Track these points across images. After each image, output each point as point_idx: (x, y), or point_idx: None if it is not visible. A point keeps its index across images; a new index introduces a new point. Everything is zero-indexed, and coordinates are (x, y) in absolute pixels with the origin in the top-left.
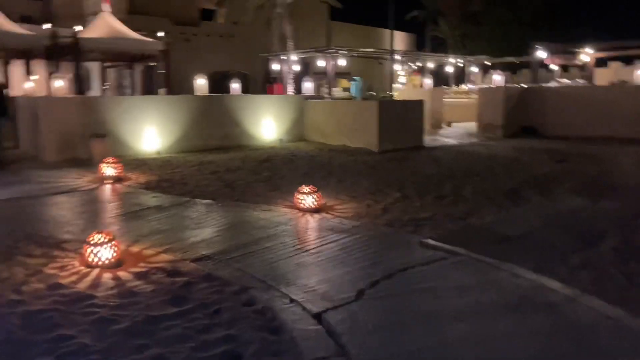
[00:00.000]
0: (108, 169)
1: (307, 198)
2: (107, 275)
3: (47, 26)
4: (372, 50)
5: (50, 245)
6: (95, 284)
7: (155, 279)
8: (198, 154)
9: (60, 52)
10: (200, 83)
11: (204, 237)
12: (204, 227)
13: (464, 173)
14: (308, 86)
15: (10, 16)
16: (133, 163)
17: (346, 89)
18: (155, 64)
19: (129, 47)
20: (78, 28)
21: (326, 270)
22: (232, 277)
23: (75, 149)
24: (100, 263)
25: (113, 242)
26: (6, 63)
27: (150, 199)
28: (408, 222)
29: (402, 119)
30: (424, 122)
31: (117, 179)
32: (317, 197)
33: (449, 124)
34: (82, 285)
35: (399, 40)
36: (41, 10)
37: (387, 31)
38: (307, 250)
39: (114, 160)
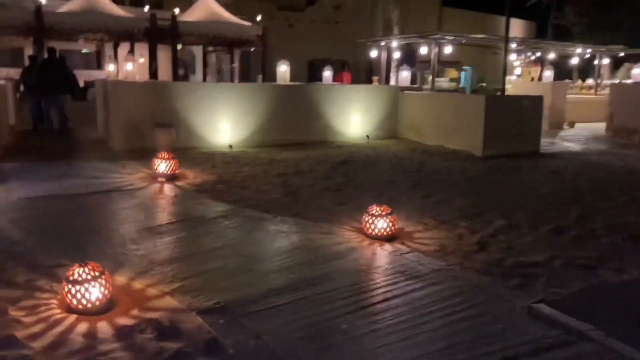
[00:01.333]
0: (161, 165)
1: (377, 222)
2: (81, 329)
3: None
4: (483, 36)
5: (40, 270)
6: (58, 343)
7: (139, 342)
8: (272, 150)
9: (159, 35)
10: (282, 70)
11: (231, 271)
12: (238, 254)
13: (594, 195)
14: (405, 76)
15: (119, 1)
16: (198, 157)
17: (454, 80)
18: (253, 49)
19: (226, 31)
20: (177, 11)
21: (385, 349)
22: (242, 350)
23: (143, 139)
24: (81, 307)
25: (103, 277)
26: (115, 45)
27: (195, 207)
28: (512, 270)
29: (515, 118)
30: (541, 122)
31: (170, 177)
32: (391, 221)
33: (571, 125)
34: (38, 344)
35: (517, 28)
36: None
37: (504, 18)
38: (361, 308)
39: (169, 155)
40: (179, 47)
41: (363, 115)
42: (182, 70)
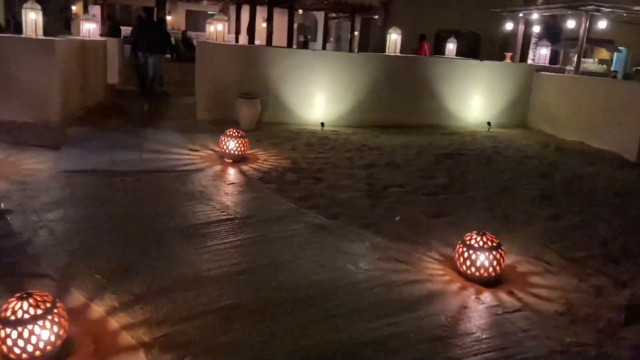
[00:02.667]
0: (230, 144)
1: (476, 257)
2: None
3: None
4: None
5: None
6: None
7: None
8: (369, 132)
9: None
10: (393, 38)
11: (239, 313)
12: (262, 281)
13: None
14: (544, 53)
15: None
16: (281, 135)
17: (604, 62)
18: (376, 17)
19: None
20: None
21: None
22: None
23: (228, 109)
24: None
25: (55, 312)
26: (238, 8)
27: (248, 203)
28: None
29: None
30: None
31: (238, 159)
32: (497, 257)
33: None
34: None
35: None
36: None
37: None
38: None
39: (238, 133)
40: (301, 12)
41: (486, 98)
42: (302, 36)
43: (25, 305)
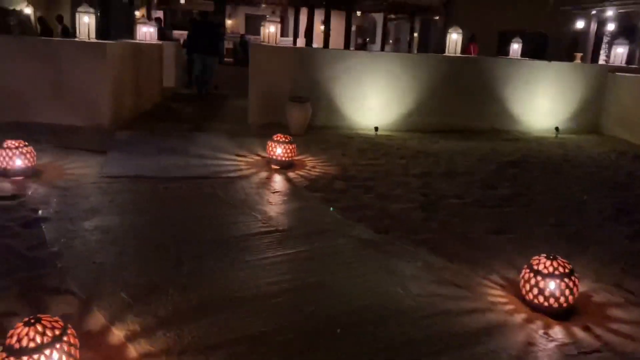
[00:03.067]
0: (277, 150)
1: (544, 284)
2: None
3: None
4: None
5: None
6: None
7: None
8: (426, 137)
9: (335, 0)
10: (453, 38)
11: (267, 343)
12: (295, 309)
13: None
14: (620, 53)
15: None
16: (332, 140)
17: None
18: (436, 17)
19: None
20: None
21: None
22: None
23: (279, 113)
24: None
25: (64, 340)
26: (295, 10)
27: (292, 213)
28: None
29: None
30: None
31: (285, 165)
32: (569, 284)
33: None
34: None
35: None
36: None
37: None
38: None
39: (286, 138)
40: (359, 14)
41: (553, 101)
42: (360, 38)
43: (32, 332)
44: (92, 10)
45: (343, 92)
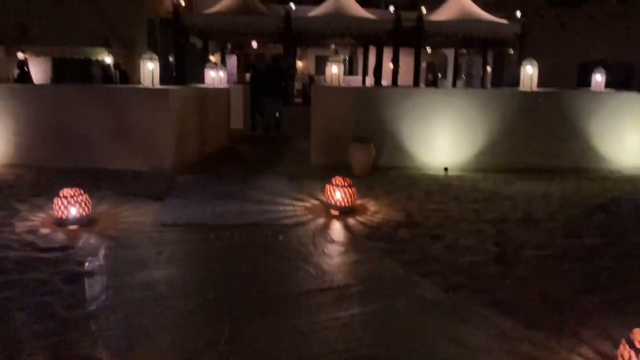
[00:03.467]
0: (336, 194)
1: None
2: None
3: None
4: None
5: None
6: None
7: None
8: (501, 178)
9: (403, 37)
10: (529, 72)
11: None
12: None
13: None
14: None
15: (376, 5)
16: (397, 182)
17: None
18: (510, 50)
19: (477, 30)
20: (423, 10)
21: None
22: None
23: (342, 154)
24: None
25: None
26: (365, 49)
27: (348, 268)
28: None
29: None
30: None
31: (346, 210)
32: None
33: None
34: None
35: None
36: None
37: None
38: None
39: (345, 181)
40: (429, 50)
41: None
42: (430, 74)
43: None
44: (155, 57)
45: (410, 131)
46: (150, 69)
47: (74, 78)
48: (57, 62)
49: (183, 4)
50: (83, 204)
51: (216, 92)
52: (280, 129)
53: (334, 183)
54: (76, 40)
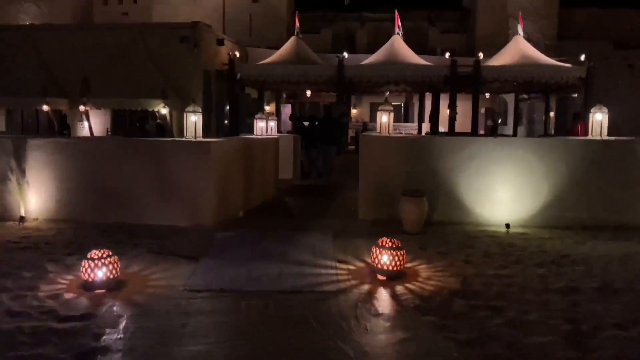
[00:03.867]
0: (383, 257)
1: None
2: None
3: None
4: None
5: None
6: None
7: None
8: (569, 236)
9: (460, 83)
10: (598, 118)
11: None
12: None
13: None
14: None
15: (431, 52)
16: (452, 241)
17: None
18: (574, 95)
19: (538, 75)
20: (481, 55)
21: None
22: None
23: (392, 208)
24: None
25: None
26: (420, 96)
27: (389, 349)
28: None
29: None
30: None
31: (394, 275)
32: None
33: None
34: None
35: None
36: (465, 43)
37: None
38: None
39: (393, 242)
40: (488, 95)
41: None
42: (490, 120)
43: None
44: (199, 109)
45: (466, 183)
46: (193, 121)
47: (131, 129)
48: (116, 114)
49: (238, 55)
50: (111, 266)
51: (264, 142)
52: (329, 178)
53: (381, 244)
54: (134, 92)
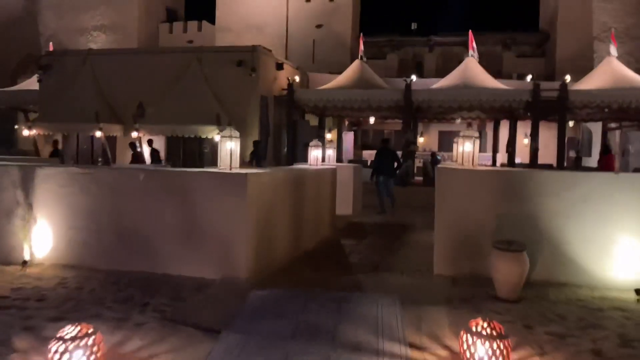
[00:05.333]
0: (478, 349)
1: None
2: None
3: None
4: None
5: None
6: None
7: None
8: None
9: (544, 109)
10: None
11: None
12: None
13: None
14: None
15: (506, 77)
16: (566, 314)
17: None
18: None
19: (629, 97)
20: (568, 79)
21: None
22: None
23: (480, 261)
24: None
25: None
26: (496, 124)
27: None
28: None
29: None
30: None
31: None
32: None
33: None
34: None
35: None
36: (544, 68)
37: None
38: None
39: (492, 327)
40: (571, 123)
41: None
42: (572, 151)
43: None
44: (237, 134)
45: (577, 232)
46: (228, 148)
47: (185, 157)
48: (170, 140)
49: (298, 80)
50: (89, 351)
51: (319, 174)
52: (388, 210)
53: (475, 329)
54: (188, 118)
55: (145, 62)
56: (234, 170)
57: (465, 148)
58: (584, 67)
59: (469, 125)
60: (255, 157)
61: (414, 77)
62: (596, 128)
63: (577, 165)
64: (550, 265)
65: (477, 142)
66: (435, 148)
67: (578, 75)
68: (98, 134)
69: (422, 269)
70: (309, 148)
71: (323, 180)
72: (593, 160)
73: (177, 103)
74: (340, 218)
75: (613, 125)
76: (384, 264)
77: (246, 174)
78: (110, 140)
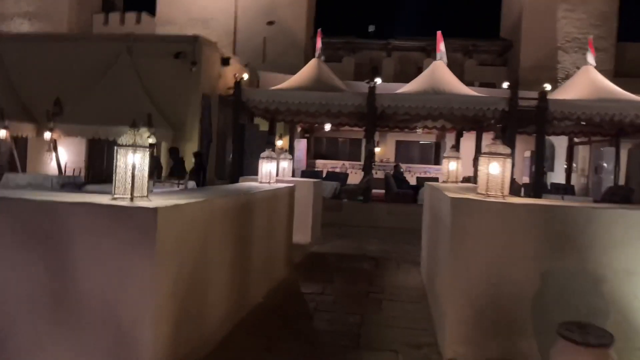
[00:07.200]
0: None
1: None
2: None
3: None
4: None
5: None
6: None
7: None
8: None
9: (519, 121)
10: None
11: None
12: None
13: None
14: None
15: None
16: None
17: None
18: None
19: (612, 111)
20: (548, 87)
21: None
22: None
23: (515, 344)
24: None
25: None
26: (458, 135)
27: None
28: None
29: None
30: None
31: None
32: None
33: None
34: None
35: None
36: (506, 77)
37: None
38: None
39: None
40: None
41: None
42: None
43: None
44: (146, 143)
45: None
46: (131, 162)
47: (110, 165)
48: (93, 143)
49: (247, 78)
50: None
51: (273, 196)
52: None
53: None
54: (114, 119)
55: (65, 51)
56: (138, 201)
57: (491, 170)
58: (547, 77)
59: (454, 146)
60: (199, 172)
61: (378, 80)
62: (560, 141)
63: (543, 182)
64: (628, 348)
65: (509, 162)
66: (392, 158)
67: (541, 86)
68: (2, 134)
69: (422, 343)
70: (260, 160)
71: (278, 204)
72: (557, 176)
73: (102, 100)
74: (297, 247)
75: (576, 140)
76: (366, 333)
77: (156, 208)
78: (20, 142)
